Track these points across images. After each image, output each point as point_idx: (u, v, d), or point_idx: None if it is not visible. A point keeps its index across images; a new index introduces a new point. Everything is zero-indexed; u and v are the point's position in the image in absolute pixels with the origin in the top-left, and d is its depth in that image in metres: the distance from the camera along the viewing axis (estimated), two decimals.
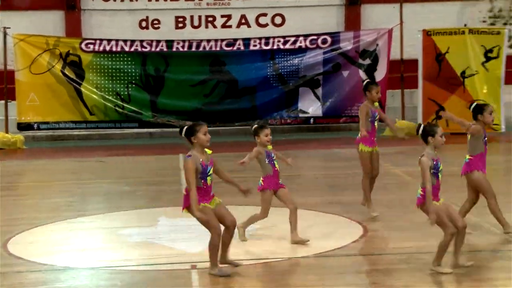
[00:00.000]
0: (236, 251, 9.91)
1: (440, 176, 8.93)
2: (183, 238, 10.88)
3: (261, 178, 9.86)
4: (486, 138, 9.78)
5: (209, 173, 8.56)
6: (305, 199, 13.81)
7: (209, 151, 8.78)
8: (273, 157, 9.89)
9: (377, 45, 23.29)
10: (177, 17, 25.70)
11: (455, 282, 8.74)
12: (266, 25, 25.86)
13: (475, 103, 9.87)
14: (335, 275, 9.13)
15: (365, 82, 11.22)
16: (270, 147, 9.89)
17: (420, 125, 8.99)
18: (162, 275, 9.47)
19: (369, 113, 10.92)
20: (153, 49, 23.39)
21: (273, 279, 9.17)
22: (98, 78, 23.61)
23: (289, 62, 23.42)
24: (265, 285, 9.12)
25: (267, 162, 9.81)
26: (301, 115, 23.84)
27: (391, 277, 9.01)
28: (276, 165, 9.89)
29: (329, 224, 12.07)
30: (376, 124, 11.01)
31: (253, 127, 10.02)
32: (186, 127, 8.56)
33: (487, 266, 9.12)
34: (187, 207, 8.61)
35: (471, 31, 22.99)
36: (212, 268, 8.55)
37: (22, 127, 23.44)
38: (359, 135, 11.15)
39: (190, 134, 8.54)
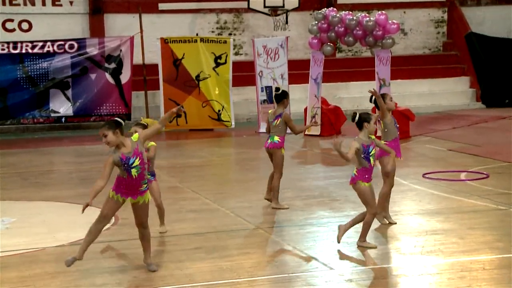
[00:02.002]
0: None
1: (371, 159, 9.22)
2: None
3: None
4: (370, 151, 9.31)
5: (132, 165, 8.27)
6: (59, 192, 14.15)
7: (135, 137, 8.45)
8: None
9: (121, 50, 23.63)
10: None
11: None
12: (14, 30, 25.33)
13: (358, 114, 9.41)
14: (88, 261, 9.12)
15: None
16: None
17: (355, 113, 9.35)
18: None
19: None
20: None
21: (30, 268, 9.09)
22: None
23: (38, 65, 23.31)
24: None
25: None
26: (53, 114, 23.72)
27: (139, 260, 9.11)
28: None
29: (78, 215, 11.87)
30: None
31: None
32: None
33: None
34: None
35: (202, 39, 23.72)
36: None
37: None
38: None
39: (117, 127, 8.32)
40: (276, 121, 12.20)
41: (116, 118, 8.54)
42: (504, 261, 8.86)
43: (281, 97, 12.10)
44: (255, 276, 8.67)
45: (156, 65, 23.20)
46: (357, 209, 11.30)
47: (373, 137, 9.33)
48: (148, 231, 8.59)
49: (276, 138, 12.10)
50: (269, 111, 13.01)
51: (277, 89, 12.74)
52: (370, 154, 9.18)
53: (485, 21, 27.98)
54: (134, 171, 8.24)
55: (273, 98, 12.70)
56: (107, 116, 23.33)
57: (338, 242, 9.41)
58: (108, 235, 10.35)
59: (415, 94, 25.15)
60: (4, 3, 25.32)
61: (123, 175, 8.02)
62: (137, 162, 8.30)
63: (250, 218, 11.48)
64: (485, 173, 14.02)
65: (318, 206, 11.55)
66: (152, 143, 10.16)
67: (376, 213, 9.56)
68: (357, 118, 9.15)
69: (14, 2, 25.28)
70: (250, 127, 22.44)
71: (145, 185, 8.32)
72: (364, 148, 9.11)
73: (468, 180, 13.63)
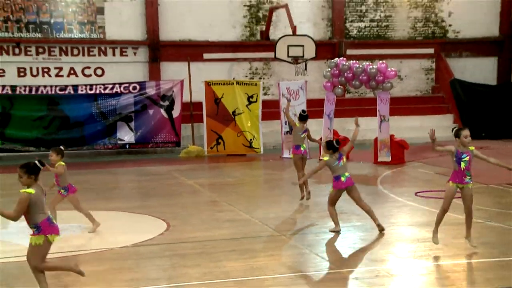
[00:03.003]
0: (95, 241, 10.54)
1: (462, 164, 8.84)
2: None
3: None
4: (462, 157, 9.00)
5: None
6: (123, 204, 14.16)
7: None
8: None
9: (173, 91, 23.70)
10: (19, 68, 24.70)
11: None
12: (90, 75, 25.40)
13: (455, 127, 9.37)
14: (154, 261, 9.29)
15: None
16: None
17: (453, 128, 9.31)
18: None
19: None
20: None
21: (108, 264, 9.23)
22: None
23: (108, 103, 23.41)
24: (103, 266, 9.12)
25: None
26: (119, 142, 23.86)
27: (215, 258, 9.40)
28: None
29: (139, 222, 12.32)
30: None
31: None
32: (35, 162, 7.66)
33: None
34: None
35: (237, 82, 23.66)
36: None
37: None
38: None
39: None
40: (304, 134, 13.69)
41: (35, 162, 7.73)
42: (481, 265, 8.89)
43: (306, 118, 13.70)
44: (278, 274, 8.67)
45: (200, 103, 23.27)
46: (361, 220, 11.34)
47: (472, 148, 9.02)
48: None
49: (304, 147, 13.67)
50: (297, 125, 14.17)
51: (304, 111, 14.22)
52: (462, 159, 8.90)
53: (466, 70, 27.97)
54: None
55: (299, 118, 13.95)
56: (161, 143, 23.80)
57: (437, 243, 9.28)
58: (161, 239, 10.57)
59: (409, 127, 24.82)
60: (83, 54, 25.37)
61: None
62: None
63: (275, 226, 11.48)
64: None
65: (329, 218, 11.29)
66: (61, 163, 10.35)
67: (445, 209, 9.22)
68: (453, 132, 9.03)
69: (91, 53, 25.45)
70: (276, 153, 22.14)
71: None
72: (458, 153, 8.90)
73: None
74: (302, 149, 13.96)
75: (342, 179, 10.81)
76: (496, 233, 10.67)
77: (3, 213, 7.49)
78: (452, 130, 9.23)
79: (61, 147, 10.88)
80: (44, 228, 7.54)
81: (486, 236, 10.28)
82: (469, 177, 9.04)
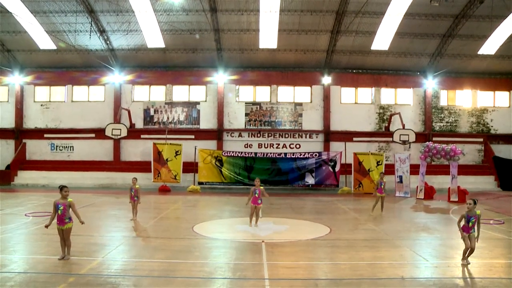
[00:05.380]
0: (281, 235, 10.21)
1: (469, 224, 8.02)
2: None
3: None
4: (470, 219, 8.04)
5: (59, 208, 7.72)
6: (306, 216, 14.06)
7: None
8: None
9: (336, 157, 24.25)
10: (259, 143, 26.96)
11: None
12: (293, 147, 26.80)
13: (473, 200, 8.11)
14: (324, 248, 9.14)
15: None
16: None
17: (473, 199, 8.10)
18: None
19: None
20: (247, 155, 24.26)
21: (297, 251, 9.05)
22: (228, 165, 24.57)
23: (302, 162, 24.19)
24: (294, 254, 8.80)
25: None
26: (306, 183, 24.26)
27: (355, 249, 9.09)
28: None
29: (314, 227, 12.07)
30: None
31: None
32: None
33: None
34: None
35: (372, 154, 24.44)
36: None
37: (200, 183, 24.35)
38: None
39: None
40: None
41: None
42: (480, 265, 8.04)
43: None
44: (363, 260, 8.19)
45: (350, 164, 24.46)
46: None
47: (478, 212, 8.00)
48: None
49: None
50: (384, 179, 14.41)
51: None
52: (470, 221, 8.03)
53: (502, 150, 27.67)
54: None
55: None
56: (328, 185, 24.23)
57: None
58: (326, 237, 10.41)
59: (468, 182, 24.47)
60: (290, 137, 26.55)
61: None
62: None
63: (390, 233, 10.90)
64: (501, 220, 13.63)
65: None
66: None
67: (470, 247, 8.11)
68: (473, 202, 8.10)
69: (293, 136, 26.52)
70: (391, 193, 21.17)
71: None
72: (468, 216, 8.07)
73: (491, 223, 12.99)
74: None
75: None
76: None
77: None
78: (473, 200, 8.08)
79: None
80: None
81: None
82: (473, 229, 8.06)
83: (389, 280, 7.09)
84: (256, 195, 11.37)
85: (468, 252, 7.99)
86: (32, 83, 26.44)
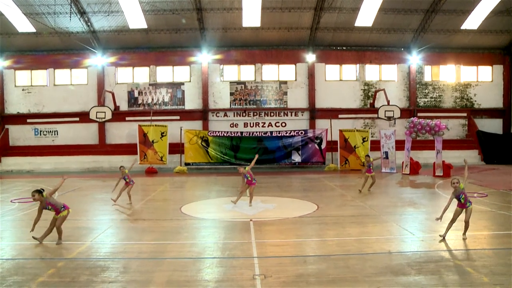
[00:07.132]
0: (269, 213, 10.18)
1: (461, 200, 8.02)
2: None
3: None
4: (460, 196, 8.03)
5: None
6: (293, 194, 14.05)
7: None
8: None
9: (322, 134, 24.60)
10: (244, 123, 26.99)
11: None
12: (279, 126, 27.00)
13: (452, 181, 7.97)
14: (312, 225, 9.20)
15: None
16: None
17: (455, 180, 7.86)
18: None
19: None
20: (233, 134, 24.60)
21: (283, 228, 9.02)
22: (215, 145, 24.54)
23: (288, 140, 24.24)
24: (282, 231, 8.81)
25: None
26: (292, 161, 24.53)
27: (342, 225, 9.10)
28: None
29: (302, 204, 12.00)
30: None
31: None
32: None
33: None
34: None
35: (357, 130, 24.64)
36: None
37: (186, 163, 24.28)
38: None
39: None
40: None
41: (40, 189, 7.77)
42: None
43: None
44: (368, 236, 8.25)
45: (336, 141, 24.57)
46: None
47: (462, 185, 8.00)
48: None
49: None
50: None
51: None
52: (460, 198, 8.08)
53: (484, 125, 27.85)
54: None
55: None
56: (315, 162, 24.35)
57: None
58: (314, 214, 10.33)
59: (452, 157, 24.26)
60: (276, 115, 26.67)
61: None
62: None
63: (377, 209, 11.04)
64: (485, 193, 13.54)
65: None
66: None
67: (453, 221, 8.13)
68: (457, 181, 7.92)
69: (279, 115, 26.60)
70: (377, 170, 20.90)
71: None
72: (457, 196, 8.10)
73: (475, 196, 12.85)
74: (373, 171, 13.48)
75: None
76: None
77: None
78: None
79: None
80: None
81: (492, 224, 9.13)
82: (469, 203, 8.10)
83: (376, 255, 7.17)
84: (249, 178, 11.41)
85: (464, 228, 8.16)
86: (12, 67, 26.19)
